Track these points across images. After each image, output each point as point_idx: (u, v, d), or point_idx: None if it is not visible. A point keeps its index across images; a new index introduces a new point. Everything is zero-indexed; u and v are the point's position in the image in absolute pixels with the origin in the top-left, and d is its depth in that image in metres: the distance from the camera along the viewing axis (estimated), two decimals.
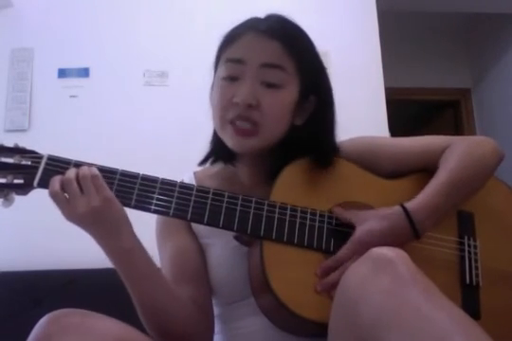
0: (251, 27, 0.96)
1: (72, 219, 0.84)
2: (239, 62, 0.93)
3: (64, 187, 0.83)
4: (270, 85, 0.92)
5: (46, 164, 0.86)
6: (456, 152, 0.99)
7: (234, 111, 0.92)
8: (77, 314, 0.82)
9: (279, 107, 0.93)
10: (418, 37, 3.96)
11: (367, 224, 0.90)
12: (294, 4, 2.41)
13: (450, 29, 4.08)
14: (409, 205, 0.91)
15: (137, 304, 0.90)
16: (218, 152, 1.03)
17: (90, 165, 0.88)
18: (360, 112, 2.36)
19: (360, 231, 0.90)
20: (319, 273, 0.88)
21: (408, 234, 0.90)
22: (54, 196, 0.83)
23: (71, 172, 0.84)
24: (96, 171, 0.85)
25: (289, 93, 0.94)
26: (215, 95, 0.97)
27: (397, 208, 0.91)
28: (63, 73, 2.36)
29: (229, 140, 0.95)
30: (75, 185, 0.83)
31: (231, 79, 0.94)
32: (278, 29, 0.95)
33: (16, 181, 0.85)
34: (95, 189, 0.83)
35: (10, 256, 2.06)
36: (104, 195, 0.84)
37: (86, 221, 0.84)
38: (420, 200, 0.92)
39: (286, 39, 0.94)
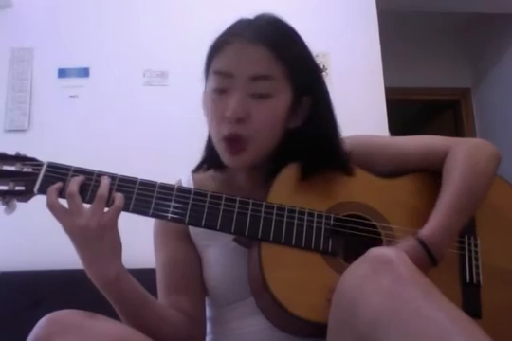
0: (237, 35, 0.94)
1: (67, 230, 0.84)
2: (227, 75, 0.92)
3: (67, 199, 0.84)
4: (260, 96, 0.91)
5: (46, 171, 0.87)
6: (457, 163, 0.98)
7: (227, 126, 0.92)
8: (76, 315, 0.82)
9: (270, 117, 0.92)
10: (418, 37, 3.96)
11: None
12: (294, 4, 2.41)
13: (450, 29, 4.08)
14: (423, 234, 0.90)
15: (123, 321, 0.92)
16: (212, 159, 1.03)
17: (90, 171, 0.88)
18: (360, 112, 2.36)
19: None
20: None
21: (427, 263, 0.89)
22: (51, 207, 0.84)
23: (74, 186, 0.84)
24: (120, 205, 0.85)
25: (281, 100, 0.93)
26: (209, 107, 0.96)
27: (413, 241, 0.90)
28: (63, 73, 2.36)
29: (223, 157, 0.96)
30: (78, 199, 0.84)
31: (221, 91, 0.93)
32: (264, 34, 0.93)
33: (18, 188, 0.86)
34: (101, 215, 0.84)
35: (11, 256, 2.06)
36: (106, 224, 0.84)
37: (79, 236, 0.84)
38: (432, 227, 0.91)
39: (274, 44, 0.92)
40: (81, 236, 0.84)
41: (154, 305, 0.93)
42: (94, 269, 0.86)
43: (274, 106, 0.92)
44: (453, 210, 0.93)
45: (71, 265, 1.94)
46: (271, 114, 0.92)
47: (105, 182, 0.86)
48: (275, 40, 0.93)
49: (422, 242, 0.89)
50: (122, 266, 0.89)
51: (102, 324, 0.83)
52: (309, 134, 0.97)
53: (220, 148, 0.95)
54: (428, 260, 0.89)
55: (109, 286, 0.87)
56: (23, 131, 2.27)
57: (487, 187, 0.99)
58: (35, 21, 2.41)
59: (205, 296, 1.04)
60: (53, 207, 0.84)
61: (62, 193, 0.85)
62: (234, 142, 0.92)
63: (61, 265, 1.99)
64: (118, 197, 0.86)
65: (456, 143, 1.03)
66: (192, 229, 1.03)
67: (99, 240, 0.84)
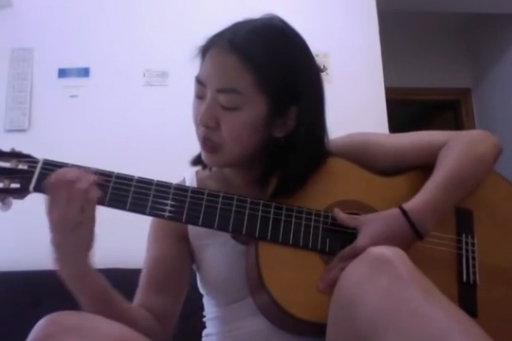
0: (216, 42, 0.94)
1: (47, 214, 0.83)
2: (202, 84, 0.93)
3: (49, 188, 0.83)
4: (227, 108, 0.91)
5: (42, 168, 0.86)
6: (454, 148, 0.99)
7: (201, 129, 0.94)
8: (76, 316, 0.82)
9: (238, 129, 0.91)
10: (418, 37, 3.96)
11: (368, 228, 0.90)
12: (294, 4, 2.41)
13: (450, 29, 4.08)
14: (407, 205, 0.91)
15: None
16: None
17: (86, 168, 0.87)
18: (360, 112, 2.36)
19: (362, 236, 0.89)
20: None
21: (410, 235, 0.90)
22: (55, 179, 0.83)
23: (61, 176, 0.83)
24: (94, 198, 0.83)
25: (250, 113, 0.91)
26: (192, 110, 0.97)
27: (396, 211, 0.91)
28: (63, 73, 2.36)
29: (202, 154, 0.97)
30: (63, 190, 0.82)
31: (199, 97, 0.95)
32: (238, 41, 0.90)
33: (13, 185, 0.85)
34: (80, 208, 0.82)
35: (10, 256, 2.06)
36: (82, 220, 0.83)
37: (56, 224, 0.83)
38: (418, 199, 0.92)
39: (246, 54, 0.89)
40: (56, 223, 0.83)
41: (121, 306, 0.92)
42: (61, 260, 0.86)
43: (242, 119, 0.91)
44: (442, 189, 0.93)
45: None
46: (239, 126, 0.91)
47: (87, 176, 0.84)
48: (247, 49, 0.89)
49: (404, 213, 0.89)
50: (89, 265, 0.87)
51: (102, 325, 0.83)
52: (292, 144, 0.95)
53: (200, 146, 0.97)
54: (411, 231, 0.89)
55: (71, 280, 0.87)
56: (23, 131, 2.27)
57: (483, 173, 0.99)
58: (35, 21, 2.41)
59: (181, 300, 1.04)
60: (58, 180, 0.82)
61: None
62: (209, 144, 0.93)
63: None
64: (93, 190, 0.83)
65: (455, 136, 1.02)
66: (191, 229, 1.03)
67: (71, 232, 0.83)
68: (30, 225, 2.11)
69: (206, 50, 0.95)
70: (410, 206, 0.91)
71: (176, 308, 1.03)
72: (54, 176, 0.83)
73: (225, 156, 0.94)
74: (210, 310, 1.05)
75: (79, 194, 0.82)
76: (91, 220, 0.85)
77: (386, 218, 0.91)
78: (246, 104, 0.90)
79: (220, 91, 0.90)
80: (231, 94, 0.90)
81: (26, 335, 0.80)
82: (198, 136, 0.96)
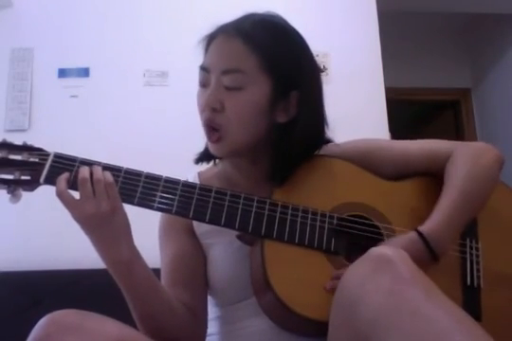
0: (221, 30, 0.98)
1: (78, 218, 0.85)
2: (205, 70, 0.96)
3: (78, 185, 0.85)
4: (232, 89, 0.93)
5: (53, 161, 0.88)
6: (460, 165, 0.99)
7: (205, 114, 0.95)
8: (76, 315, 0.82)
9: (242, 108, 0.93)
10: (418, 37, 3.96)
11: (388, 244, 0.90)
12: (294, 4, 2.41)
13: (450, 29, 4.08)
14: (424, 229, 0.91)
15: (132, 310, 0.92)
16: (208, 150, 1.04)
17: (96, 163, 0.89)
18: (360, 112, 2.36)
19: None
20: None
21: (427, 259, 0.90)
22: (60, 195, 0.84)
23: (85, 172, 0.86)
24: (111, 180, 0.86)
25: (254, 93, 0.93)
26: (196, 100, 0.99)
27: (413, 234, 0.91)
28: (63, 73, 2.36)
29: (208, 144, 0.99)
30: (89, 186, 0.85)
31: (203, 85, 0.97)
32: (243, 27, 0.95)
33: (23, 177, 0.87)
34: (107, 196, 0.85)
35: (10, 256, 2.06)
36: (114, 204, 0.85)
37: (91, 223, 0.85)
38: (435, 222, 0.92)
39: (249, 37, 0.93)
40: (91, 222, 0.85)
41: (164, 294, 0.93)
42: (107, 252, 0.87)
43: (246, 98, 0.93)
44: (455, 209, 0.93)
45: (71, 265, 1.96)
46: (243, 105, 0.93)
47: (96, 168, 0.87)
48: (251, 33, 0.94)
49: (422, 236, 0.90)
50: (135, 248, 0.90)
51: (102, 324, 0.83)
52: (294, 131, 0.96)
53: (206, 136, 0.98)
54: (428, 254, 0.90)
55: (122, 269, 0.88)
56: (23, 131, 2.27)
57: (491, 189, 0.99)
58: (35, 21, 2.41)
59: (207, 293, 1.04)
60: (63, 196, 0.84)
61: (69, 184, 0.86)
62: (213, 131, 0.95)
63: (61, 265, 1.99)
64: (107, 174, 0.87)
65: (459, 146, 1.03)
66: (196, 228, 1.04)
67: (109, 222, 0.85)
68: (31, 226, 2.12)
69: (211, 39, 0.98)
70: (426, 229, 0.91)
71: (205, 301, 1.03)
72: (80, 176, 0.85)
73: (230, 142, 0.95)
74: (212, 309, 1.05)
75: (100, 182, 0.85)
76: (119, 204, 0.86)
77: (404, 240, 0.90)
78: (250, 84, 0.93)
79: (225, 72, 0.93)
80: (235, 74, 0.93)
81: (26, 335, 0.80)
82: (203, 124, 0.97)
